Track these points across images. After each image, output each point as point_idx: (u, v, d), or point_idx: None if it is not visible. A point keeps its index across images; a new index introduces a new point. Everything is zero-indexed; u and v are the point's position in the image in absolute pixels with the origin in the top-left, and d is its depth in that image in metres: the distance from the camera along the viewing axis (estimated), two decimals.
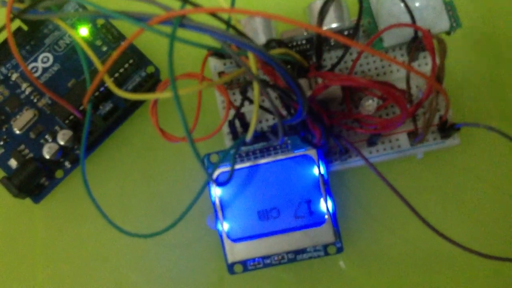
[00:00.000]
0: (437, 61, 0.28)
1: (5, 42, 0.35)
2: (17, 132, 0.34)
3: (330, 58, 0.34)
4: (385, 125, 0.29)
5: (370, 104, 0.30)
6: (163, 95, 0.23)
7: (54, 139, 0.34)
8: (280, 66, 0.24)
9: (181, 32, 0.22)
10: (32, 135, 0.34)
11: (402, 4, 0.31)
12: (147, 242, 0.34)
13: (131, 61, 0.34)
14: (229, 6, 0.26)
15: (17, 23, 0.35)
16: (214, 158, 0.33)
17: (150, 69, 0.35)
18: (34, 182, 0.34)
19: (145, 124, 0.36)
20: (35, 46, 0.35)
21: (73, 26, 0.34)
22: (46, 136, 0.34)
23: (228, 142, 0.33)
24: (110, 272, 0.35)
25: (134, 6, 0.25)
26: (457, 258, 0.33)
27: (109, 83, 0.24)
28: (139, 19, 0.23)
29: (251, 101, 0.30)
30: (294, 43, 0.32)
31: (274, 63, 0.23)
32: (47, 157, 0.34)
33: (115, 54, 0.24)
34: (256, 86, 0.25)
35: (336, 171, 0.34)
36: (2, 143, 0.34)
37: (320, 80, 0.30)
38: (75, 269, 0.35)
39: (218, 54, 0.33)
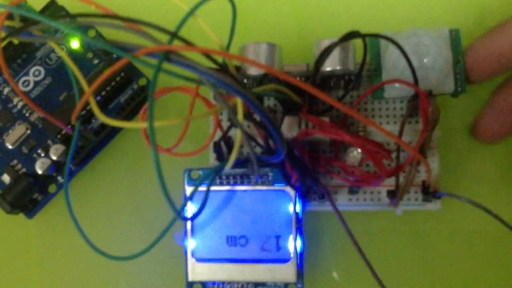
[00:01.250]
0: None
1: None
2: (10, 147, 0.35)
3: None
4: (366, 179, 0.29)
5: (354, 156, 0.30)
6: (140, 125, 0.23)
7: (47, 154, 0.34)
8: (265, 115, 0.23)
9: None
10: (24, 150, 0.35)
11: (413, 59, 0.30)
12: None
13: (122, 74, 0.33)
14: (223, 49, 0.26)
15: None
16: (195, 175, 0.33)
17: (142, 82, 0.35)
18: (27, 198, 0.34)
19: (138, 136, 0.35)
20: (26, 60, 0.35)
21: (65, 38, 0.33)
22: (39, 151, 0.35)
23: (212, 160, 0.33)
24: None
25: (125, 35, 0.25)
26: None
27: (94, 107, 0.24)
28: (126, 49, 0.23)
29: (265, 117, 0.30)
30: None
31: (258, 110, 0.23)
32: (40, 172, 0.34)
33: (101, 78, 0.24)
34: (239, 133, 0.25)
35: (313, 211, 0.33)
36: None
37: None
38: (70, 283, 0.35)
39: None
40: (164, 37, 0.23)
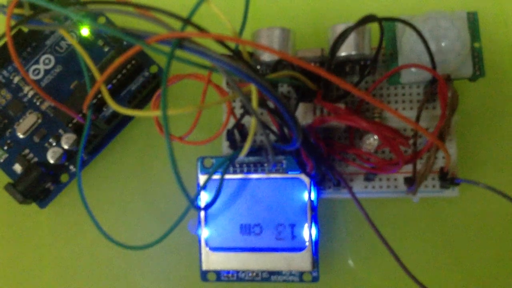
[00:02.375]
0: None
1: (6, 45, 0.34)
2: (21, 136, 0.34)
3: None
4: (383, 166, 0.28)
5: (370, 143, 0.29)
6: (153, 113, 0.23)
7: (58, 143, 0.34)
8: (280, 103, 0.23)
9: None
10: (36, 139, 0.34)
11: (431, 43, 0.30)
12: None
13: (133, 61, 0.33)
14: (236, 35, 0.25)
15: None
16: (208, 163, 0.32)
17: (154, 69, 0.35)
18: (39, 188, 0.34)
19: (150, 124, 0.35)
20: (36, 48, 0.35)
21: (75, 26, 0.33)
22: (50, 140, 0.34)
23: (225, 148, 0.33)
24: (117, 277, 0.35)
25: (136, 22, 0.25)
26: None
27: (106, 95, 0.24)
28: (138, 36, 0.22)
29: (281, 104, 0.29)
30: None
31: (274, 97, 0.23)
32: (52, 161, 0.34)
33: (112, 66, 0.23)
34: (253, 121, 0.24)
35: (328, 198, 0.33)
36: (6, 147, 0.35)
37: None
38: (83, 272, 0.35)
39: None
40: (177, 24, 0.23)
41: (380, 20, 0.28)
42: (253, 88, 0.24)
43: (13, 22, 0.26)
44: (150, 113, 0.23)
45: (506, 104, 0.34)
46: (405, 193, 0.30)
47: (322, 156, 0.29)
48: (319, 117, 0.27)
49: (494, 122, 0.34)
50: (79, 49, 0.27)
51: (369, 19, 0.27)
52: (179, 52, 0.22)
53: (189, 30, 0.23)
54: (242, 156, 0.27)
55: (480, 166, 0.33)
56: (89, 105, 0.28)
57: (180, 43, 0.22)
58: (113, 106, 0.24)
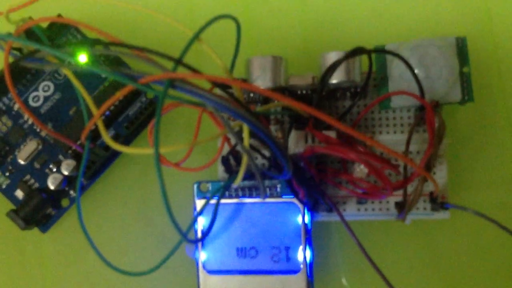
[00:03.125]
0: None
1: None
2: (22, 162, 0.35)
3: (336, 108, 0.34)
4: (373, 192, 0.29)
5: (361, 170, 0.30)
6: (144, 151, 0.24)
7: (58, 169, 0.35)
8: (270, 141, 0.24)
9: None
10: (36, 165, 0.35)
11: (418, 71, 0.30)
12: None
13: None
14: (227, 72, 0.26)
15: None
16: (204, 188, 0.33)
17: (150, 95, 0.35)
18: (40, 214, 0.35)
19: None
20: (35, 75, 0.36)
21: (72, 53, 0.33)
22: (51, 166, 0.35)
23: (221, 173, 0.34)
24: None
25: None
26: None
27: (102, 130, 0.25)
28: (131, 77, 0.23)
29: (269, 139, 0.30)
30: (299, 92, 0.32)
31: (265, 136, 0.24)
32: (52, 187, 0.35)
33: (107, 103, 0.24)
34: (244, 159, 0.25)
35: (323, 221, 0.34)
36: (7, 174, 0.35)
37: None
38: None
39: None
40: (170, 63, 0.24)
41: (369, 52, 0.29)
42: (245, 128, 0.24)
43: (11, 59, 0.27)
44: (141, 150, 0.24)
45: (495, 127, 0.34)
46: (395, 218, 0.31)
47: (313, 183, 0.29)
48: (309, 147, 0.28)
49: (485, 145, 0.34)
50: (76, 83, 0.28)
51: (358, 51, 0.28)
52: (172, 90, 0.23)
53: (181, 69, 0.24)
54: (235, 185, 0.28)
55: (471, 188, 0.34)
56: (86, 136, 0.29)
57: (172, 83, 0.23)
58: (107, 141, 0.25)
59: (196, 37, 0.25)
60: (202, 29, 0.25)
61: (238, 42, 0.29)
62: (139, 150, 0.24)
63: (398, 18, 0.36)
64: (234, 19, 0.28)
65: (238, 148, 0.32)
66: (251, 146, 0.31)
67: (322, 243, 0.35)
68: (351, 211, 0.33)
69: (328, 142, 0.28)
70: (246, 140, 0.24)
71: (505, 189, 0.34)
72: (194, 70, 0.24)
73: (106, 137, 0.25)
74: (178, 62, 0.24)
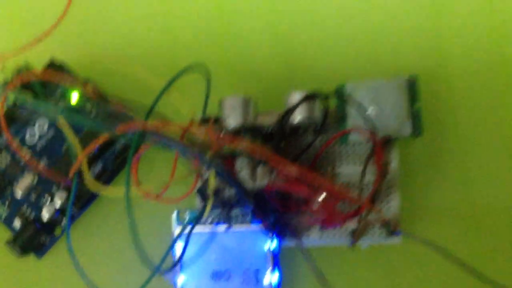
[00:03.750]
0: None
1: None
2: (19, 195, 0.39)
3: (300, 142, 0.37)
4: (328, 222, 0.33)
5: (319, 202, 0.33)
6: (117, 193, 0.27)
7: (52, 200, 0.38)
8: (229, 179, 0.27)
9: None
10: (32, 197, 0.39)
11: (370, 108, 0.34)
12: None
13: None
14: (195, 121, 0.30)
15: None
16: (183, 216, 0.36)
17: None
18: (36, 242, 0.38)
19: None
20: (32, 114, 0.39)
21: (64, 93, 0.37)
22: (45, 198, 0.39)
23: (198, 202, 0.37)
24: None
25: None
26: None
27: (85, 172, 0.28)
28: (109, 127, 0.27)
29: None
30: (265, 130, 0.36)
31: (222, 175, 0.27)
32: (46, 218, 0.38)
33: (88, 148, 0.28)
34: (209, 204, 0.29)
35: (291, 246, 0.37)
36: (6, 205, 0.39)
37: None
38: None
39: None
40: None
41: (321, 97, 0.32)
42: (211, 176, 0.28)
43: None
44: (115, 193, 0.27)
45: (447, 159, 0.38)
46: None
47: (277, 214, 0.33)
48: (270, 183, 0.32)
49: (437, 176, 0.38)
50: (65, 129, 0.32)
51: (311, 97, 0.32)
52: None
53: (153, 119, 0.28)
54: (204, 217, 0.32)
55: (424, 217, 0.37)
56: (74, 174, 0.33)
57: (143, 132, 0.27)
58: (88, 182, 0.28)
59: (167, 88, 0.29)
60: (171, 82, 0.29)
61: (208, 87, 0.33)
62: (112, 193, 0.27)
63: (360, 58, 0.40)
64: (203, 67, 0.31)
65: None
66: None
67: (291, 266, 0.38)
68: (314, 237, 0.36)
69: (287, 178, 0.32)
70: (211, 186, 0.28)
71: (455, 218, 0.37)
72: (164, 120, 0.28)
73: (88, 178, 0.28)
74: (149, 113, 0.28)
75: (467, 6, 0.39)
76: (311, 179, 0.30)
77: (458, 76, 0.39)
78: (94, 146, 0.28)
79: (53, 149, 0.39)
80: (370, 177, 0.35)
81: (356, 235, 0.32)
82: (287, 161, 0.27)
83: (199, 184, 0.31)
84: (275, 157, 0.26)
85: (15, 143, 0.33)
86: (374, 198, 0.31)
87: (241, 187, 0.28)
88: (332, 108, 0.36)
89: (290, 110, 0.32)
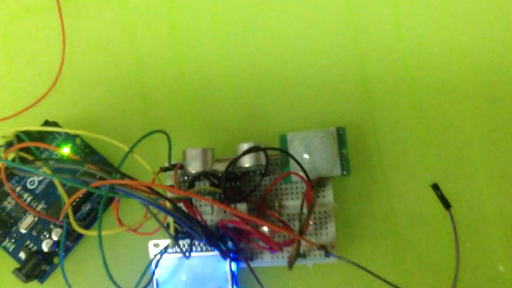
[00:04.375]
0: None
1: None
2: (23, 231, 0.47)
3: (250, 182, 0.45)
4: (272, 247, 0.40)
5: (264, 231, 0.41)
6: (93, 233, 0.35)
7: (50, 235, 0.46)
8: (181, 221, 0.35)
9: None
10: (34, 233, 0.47)
11: (305, 155, 0.42)
12: None
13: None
14: (156, 177, 0.38)
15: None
16: (157, 245, 0.44)
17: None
18: (38, 270, 0.46)
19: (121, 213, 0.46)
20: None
21: (58, 145, 0.45)
22: (44, 233, 0.46)
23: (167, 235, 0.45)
24: None
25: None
26: None
27: (70, 217, 0.36)
28: (85, 182, 0.35)
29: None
30: (220, 174, 0.43)
31: (178, 219, 0.35)
32: (46, 250, 0.46)
33: (76, 194, 0.36)
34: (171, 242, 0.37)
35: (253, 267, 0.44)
36: (13, 240, 0.47)
37: None
38: None
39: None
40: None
41: (264, 150, 0.40)
42: (171, 220, 0.36)
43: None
44: (92, 233, 0.35)
45: (375, 191, 0.45)
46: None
47: (231, 241, 0.41)
48: (220, 220, 0.39)
49: (367, 207, 0.45)
50: (55, 181, 0.40)
51: (253, 150, 0.39)
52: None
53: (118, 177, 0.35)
54: (170, 247, 0.40)
55: (357, 240, 0.45)
56: (63, 216, 0.41)
57: (112, 187, 0.35)
58: (73, 225, 0.36)
59: (130, 151, 0.37)
60: (134, 145, 0.37)
61: (170, 146, 0.41)
62: (92, 233, 0.35)
63: (299, 112, 0.47)
64: (165, 133, 0.39)
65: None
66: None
67: (252, 285, 0.45)
68: (267, 259, 0.44)
69: (235, 216, 0.39)
70: (172, 229, 0.36)
71: (381, 241, 0.45)
72: (129, 177, 0.36)
73: (73, 221, 0.36)
74: (117, 171, 0.35)
75: (389, 60, 0.47)
76: (251, 219, 0.38)
77: (384, 123, 0.46)
78: (77, 196, 0.36)
79: (50, 193, 0.47)
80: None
81: (290, 259, 0.40)
82: (234, 199, 0.35)
83: (165, 225, 0.38)
84: (220, 204, 0.34)
85: (14, 194, 0.41)
86: (302, 231, 0.39)
87: (193, 227, 0.35)
88: (275, 154, 0.43)
89: (234, 161, 0.40)
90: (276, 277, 0.45)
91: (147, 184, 0.34)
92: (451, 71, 0.46)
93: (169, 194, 0.39)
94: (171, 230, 0.38)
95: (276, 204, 0.43)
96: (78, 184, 0.34)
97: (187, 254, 0.41)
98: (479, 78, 0.46)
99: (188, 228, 0.35)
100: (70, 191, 0.44)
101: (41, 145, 0.40)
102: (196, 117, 0.48)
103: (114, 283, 0.34)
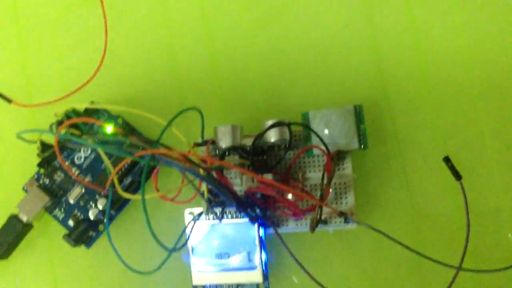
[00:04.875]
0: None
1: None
2: (72, 202, 0.51)
3: (275, 156, 0.49)
4: (296, 214, 0.44)
5: (289, 197, 0.45)
6: (136, 197, 0.40)
7: (96, 205, 0.51)
8: (220, 193, 0.39)
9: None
10: (81, 203, 0.51)
11: (325, 130, 0.46)
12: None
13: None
14: (190, 147, 0.42)
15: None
16: (192, 214, 0.49)
17: None
18: (85, 235, 0.50)
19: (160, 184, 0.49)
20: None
21: (101, 127, 0.50)
22: (90, 203, 0.51)
23: (203, 202, 0.49)
24: None
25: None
26: None
27: (116, 185, 0.41)
28: (129, 152, 0.39)
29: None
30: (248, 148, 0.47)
31: (217, 190, 0.39)
32: (92, 218, 0.51)
33: (120, 164, 0.41)
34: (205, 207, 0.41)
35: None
36: (63, 210, 0.51)
37: None
38: None
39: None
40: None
41: (287, 125, 0.44)
42: (205, 187, 0.41)
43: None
44: (135, 197, 0.40)
45: (390, 164, 0.49)
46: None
47: (259, 209, 0.45)
48: (248, 188, 0.44)
49: (383, 178, 0.49)
50: (101, 153, 0.45)
51: (277, 124, 0.44)
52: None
53: (160, 147, 0.40)
54: (204, 212, 0.44)
55: (375, 209, 0.49)
56: (109, 185, 0.46)
57: (153, 156, 0.39)
58: (119, 191, 0.41)
59: (169, 125, 0.41)
60: (172, 119, 0.41)
61: (203, 123, 0.45)
62: (137, 197, 0.40)
63: (320, 91, 0.51)
64: (198, 110, 0.44)
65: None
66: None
67: (279, 249, 0.49)
68: (291, 225, 0.48)
69: (262, 182, 0.44)
70: (206, 194, 0.41)
71: (397, 210, 0.49)
72: (168, 147, 0.40)
73: (118, 188, 0.41)
74: (157, 142, 0.40)
75: (402, 42, 0.51)
76: (277, 185, 0.42)
77: (399, 98, 0.50)
78: (121, 166, 0.41)
79: (95, 167, 0.52)
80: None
81: (312, 223, 0.44)
82: (260, 171, 0.39)
83: (198, 193, 0.43)
84: (249, 172, 0.39)
85: (65, 165, 0.46)
86: (323, 198, 0.43)
87: (224, 193, 0.40)
88: (298, 130, 0.47)
89: (260, 135, 0.44)
90: (299, 242, 0.49)
91: (184, 153, 0.39)
92: (463, 47, 0.50)
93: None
94: (205, 197, 0.43)
95: (300, 176, 0.48)
96: (124, 154, 0.39)
97: (219, 218, 0.46)
98: (491, 51, 0.50)
99: (221, 194, 0.40)
100: (114, 164, 0.48)
101: (89, 120, 0.44)
102: (225, 97, 0.52)
103: (157, 240, 0.39)
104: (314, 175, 0.48)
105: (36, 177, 0.52)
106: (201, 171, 0.39)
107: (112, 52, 0.53)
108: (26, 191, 0.52)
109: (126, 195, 0.40)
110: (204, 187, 0.43)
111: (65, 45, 0.55)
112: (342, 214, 0.45)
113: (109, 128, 0.50)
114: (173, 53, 0.53)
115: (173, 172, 0.51)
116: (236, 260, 0.47)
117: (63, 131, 0.44)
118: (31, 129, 0.45)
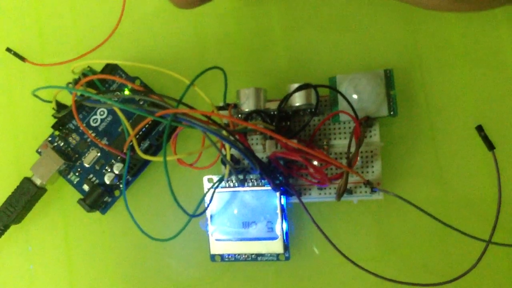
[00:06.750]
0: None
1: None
2: (87, 165, 0.50)
3: (300, 122, 0.47)
4: (321, 181, 0.42)
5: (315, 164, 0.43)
6: (158, 159, 0.38)
7: (112, 169, 0.49)
8: (244, 154, 0.37)
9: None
10: (97, 167, 0.50)
11: (354, 95, 0.44)
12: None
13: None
14: (214, 108, 0.40)
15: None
16: (211, 180, 0.47)
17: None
18: (100, 201, 0.49)
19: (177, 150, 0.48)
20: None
21: (120, 86, 0.48)
22: (106, 167, 0.50)
23: (223, 169, 0.48)
24: (155, 259, 0.50)
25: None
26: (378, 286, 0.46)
27: (135, 146, 0.39)
28: (151, 112, 0.37)
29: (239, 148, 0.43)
30: (272, 113, 0.45)
31: (240, 151, 0.37)
32: (108, 182, 0.49)
33: (140, 125, 0.39)
34: (227, 170, 0.39)
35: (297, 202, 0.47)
36: (77, 174, 0.50)
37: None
38: (131, 257, 0.50)
39: None
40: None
41: (313, 87, 0.42)
42: (227, 147, 0.38)
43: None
44: (157, 159, 0.38)
45: (420, 133, 0.47)
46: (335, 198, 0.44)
47: (282, 175, 0.43)
48: (273, 152, 0.42)
49: (412, 147, 0.47)
50: (120, 114, 0.43)
51: (304, 86, 0.41)
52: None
53: (182, 107, 0.38)
54: (225, 178, 0.43)
55: (401, 179, 0.46)
56: (127, 148, 0.44)
57: (175, 116, 0.37)
58: (138, 152, 0.39)
59: (192, 84, 0.39)
60: (196, 78, 0.39)
61: (226, 83, 0.43)
62: (158, 159, 0.38)
63: (348, 54, 0.49)
64: (221, 69, 0.42)
65: (232, 152, 0.46)
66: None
67: (299, 219, 0.48)
68: (314, 195, 0.46)
69: (286, 147, 0.42)
70: (228, 155, 0.39)
71: (426, 180, 0.47)
72: (190, 107, 0.38)
73: (138, 150, 0.39)
74: (179, 102, 0.38)
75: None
76: (303, 149, 0.40)
77: (431, 66, 0.48)
78: (141, 127, 0.39)
79: (112, 130, 0.50)
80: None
81: (338, 191, 0.42)
82: (284, 137, 0.37)
83: (221, 156, 0.41)
84: (275, 134, 0.36)
85: (83, 126, 0.44)
86: (350, 164, 0.41)
87: (249, 157, 0.38)
88: (325, 95, 0.45)
89: (286, 97, 0.42)
90: (322, 212, 0.47)
91: (207, 113, 0.37)
92: (496, 14, 0.47)
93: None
94: (228, 159, 0.41)
95: (325, 143, 0.46)
96: (145, 113, 0.37)
97: (241, 184, 0.44)
98: None
99: (246, 157, 0.38)
100: (132, 126, 0.47)
101: (108, 77, 0.42)
102: (249, 61, 0.50)
103: (178, 204, 0.37)
104: (340, 142, 0.46)
105: (50, 139, 0.50)
106: (225, 133, 0.37)
107: (130, 11, 0.51)
108: (40, 153, 0.50)
109: (146, 157, 0.38)
110: (227, 150, 0.41)
111: (81, 4, 0.53)
112: (369, 183, 0.43)
113: (129, 88, 0.48)
114: (195, 12, 0.51)
115: (192, 137, 0.50)
116: (256, 229, 0.45)
117: (80, 89, 0.42)
118: (48, 86, 0.43)
